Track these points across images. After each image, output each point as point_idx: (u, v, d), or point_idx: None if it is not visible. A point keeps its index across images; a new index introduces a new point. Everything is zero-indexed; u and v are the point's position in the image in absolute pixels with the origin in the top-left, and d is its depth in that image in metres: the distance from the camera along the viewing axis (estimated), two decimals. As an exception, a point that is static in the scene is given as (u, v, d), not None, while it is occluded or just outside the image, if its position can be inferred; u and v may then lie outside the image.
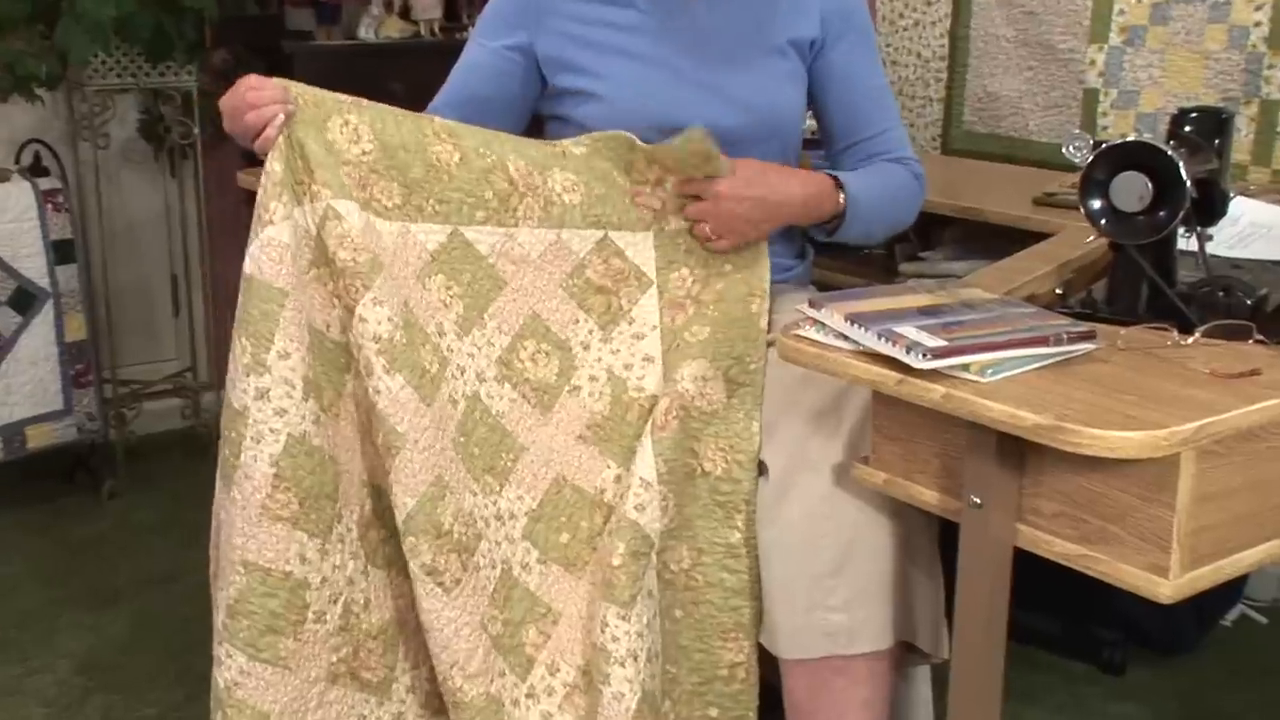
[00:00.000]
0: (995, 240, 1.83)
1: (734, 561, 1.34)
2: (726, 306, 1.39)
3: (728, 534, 1.34)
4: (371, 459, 1.31)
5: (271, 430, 1.25)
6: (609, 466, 1.37)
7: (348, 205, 1.27)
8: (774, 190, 1.38)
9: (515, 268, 1.36)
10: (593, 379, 1.39)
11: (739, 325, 1.39)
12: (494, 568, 1.32)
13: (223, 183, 2.62)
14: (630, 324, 1.40)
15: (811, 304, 1.20)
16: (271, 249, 1.26)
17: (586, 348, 1.39)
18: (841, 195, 1.42)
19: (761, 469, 1.35)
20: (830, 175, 1.42)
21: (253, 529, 1.26)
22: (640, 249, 1.40)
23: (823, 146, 1.55)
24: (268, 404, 1.25)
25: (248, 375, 1.25)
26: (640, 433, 1.36)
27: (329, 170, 1.27)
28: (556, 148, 1.38)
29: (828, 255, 1.89)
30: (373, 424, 1.27)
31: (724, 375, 1.36)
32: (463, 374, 1.33)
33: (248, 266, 1.25)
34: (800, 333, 1.19)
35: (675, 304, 1.40)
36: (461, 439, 1.31)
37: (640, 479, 1.32)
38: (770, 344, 1.37)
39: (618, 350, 1.40)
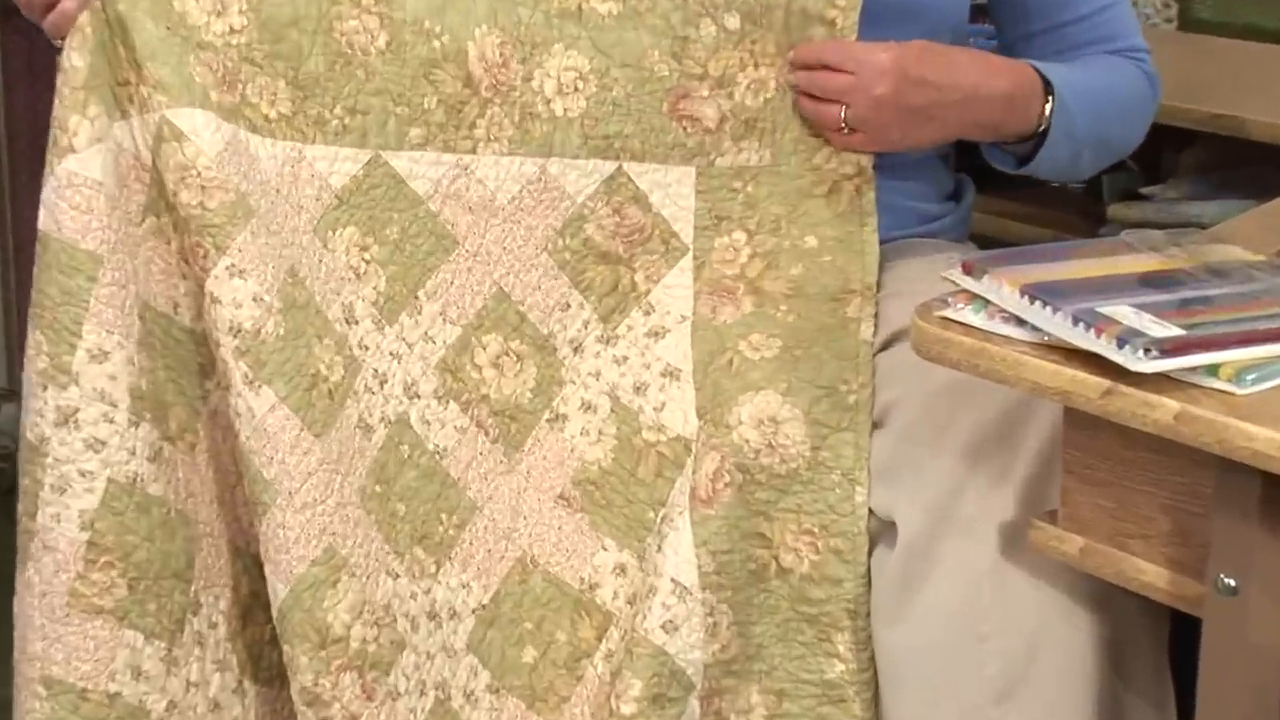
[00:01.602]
0: (1263, 168, 1.86)
1: (836, 710, 1.37)
2: (806, 305, 1.40)
3: (823, 665, 1.37)
4: (251, 514, 1.34)
5: (82, 473, 1.26)
6: (604, 548, 1.39)
7: (197, 116, 1.27)
8: (963, 76, 1.39)
9: (471, 218, 1.37)
10: (585, 406, 1.42)
11: (829, 336, 1.40)
12: (422, 694, 1.34)
13: (32, 84, 2.64)
14: (646, 314, 1.42)
15: (966, 269, 1.19)
16: (75, 191, 1.26)
17: (579, 350, 1.41)
18: (1049, 100, 1.42)
19: (875, 538, 1.36)
20: (1032, 67, 1.44)
21: (58, 628, 1.27)
22: (674, 193, 1.40)
23: (998, 33, 1.58)
24: (74, 432, 1.26)
25: (44, 388, 1.26)
26: (659, 498, 1.38)
27: (168, 60, 1.27)
28: (570, 1, 1.39)
29: (993, 192, 1.92)
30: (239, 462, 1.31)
31: (807, 415, 1.37)
32: (382, 385, 1.35)
33: (42, 220, 1.27)
34: (948, 314, 1.18)
35: (720, 288, 1.42)
36: (378, 488, 1.33)
37: (672, 581, 1.35)
38: (885, 346, 1.39)
39: (625, 357, 1.42)
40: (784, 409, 1.37)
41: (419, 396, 1.37)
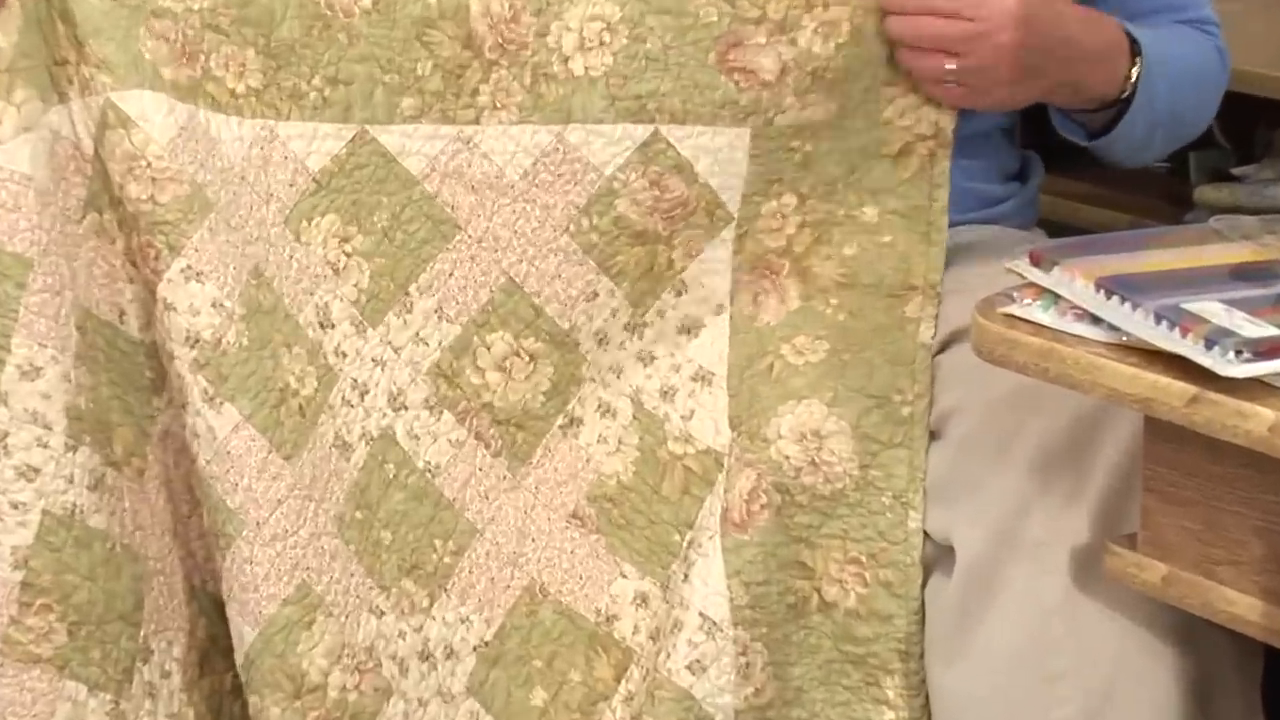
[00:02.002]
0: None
1: None
2: (859, 300, 1.38)
3: (871, 713, 1.36)
4: (209, 548, 1.33)
5: (14, 505, 1.25)
6: (623, 575, 1.39)
7: (146, 99, 1.26)
8: (1072, 27, 1.37)
9: (475, 199, 1.35)
10: (604, 409, 1.40)
11: (883, 338, 1.37)
12: None
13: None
14: (678, 294, 1.39)
15: (1034, 260, 1.18)
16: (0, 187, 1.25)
17: (603, 342, 1.39)
18: (1135, 63, 1.41)
19: (929, 566, 1.35)
20: (1124, 29, 1.43)
21: None
22: (724, 160, 1.36)
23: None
24: (4, 459, 1.25)
25: None
26: (686, 519, 1.38)
27: (114, 36, 1.26)
28: None
29: (1064, 172, 1.88)
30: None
31: (855, 429, 1.36)
32: (363, 398, 1.34)
33: None
34: (1014, 311, 1.17)
35: (762, 266, 1.39)
36: (358, 514, 1.33)
37: (700, 615, 1.34)
38: (942, 347, 1.38)
39: (652, 355, 1.40)
40: (829, 421, 1.36)
41: (406, 408, 1.36)
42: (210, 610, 1.34)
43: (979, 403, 1.34)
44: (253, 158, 1.30)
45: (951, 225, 1.43)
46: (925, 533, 1.35)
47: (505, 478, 1.39)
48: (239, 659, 1.28)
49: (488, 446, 1.38)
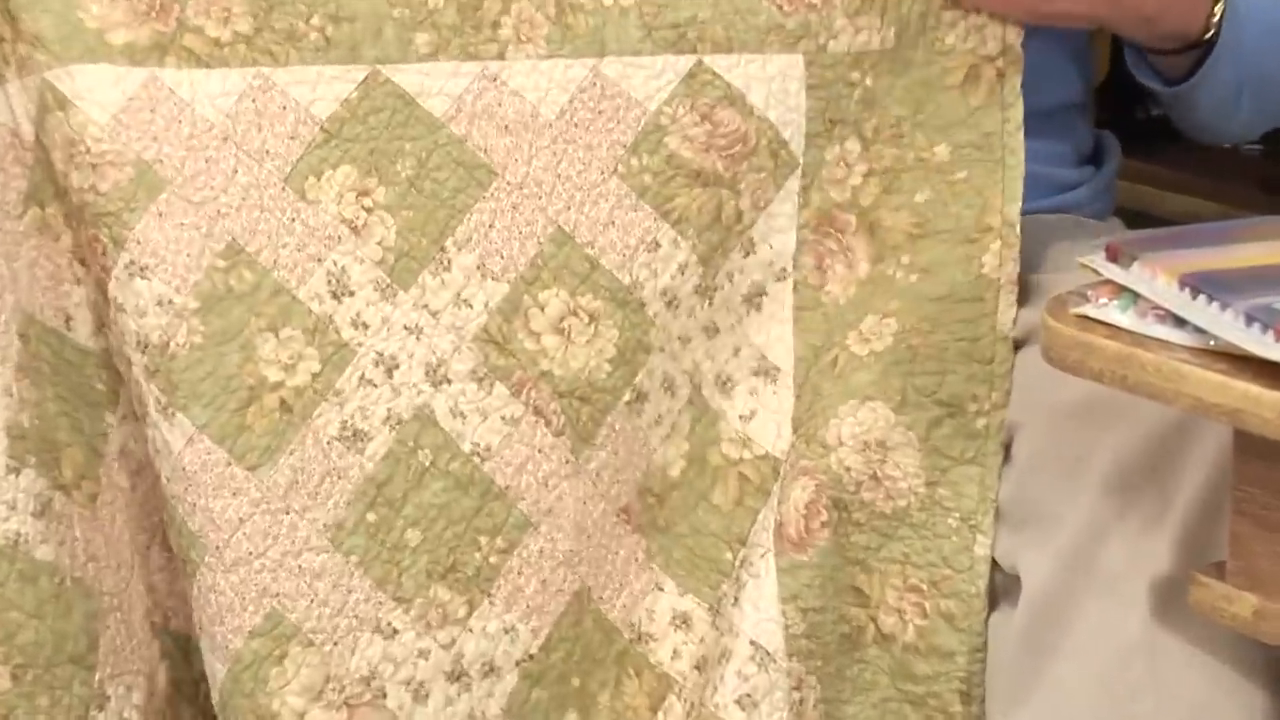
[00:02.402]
0: None
1: None
2: (933, 252, 1.37)
3: None
4: (177, 579, 1.34)
5: None
6: (659, 589, 1.38)
7: (85, 75, 1.24)
8: None
9: (511, 140, 1.33)
10: (667, 384, 1.38)
11: (957, 310, 1.36)
12: None
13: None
14: (746, 255, 1.38)
15: (1111, 254, 1.16)
16: None
17: (673, 304, 1.36)
18: (1216, 18, 1.40)
19: (994, 597, 1.35)
20: None
21: None
22: (779, 90, 1.36)
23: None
24: None
25: None
26: (739, 534, 1.37)
27: (50, 6, 1.25)
28: None
29: (1144, 155, 1.91)
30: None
31: (924, 441, 1.35)
32: (390, 374, 1.31)
33: None
34: (1088, 312, 1.15)
35: (827, 222, 1.38)
36: (371, 515, 1.30)
37: (751, 645, 1.35)
38: (1018, 346, 1.36)
39: (715, 325, 1.38)
40: (896, 431, 1.36)
41: (449, 380, 1.33)
42: (175, 652, 1.34)
43: (1048, 415, 1.33)
44: (241, 112, 1.28)
45: (1028, 213, 1.43)
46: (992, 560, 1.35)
47: (568, 461, 1.36)
48: (214, 698, 1.28)
49: (549, 424, 1.35)
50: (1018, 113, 1.37)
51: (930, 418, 1.36)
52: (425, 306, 1.33)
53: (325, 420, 1.30)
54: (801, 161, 1.37)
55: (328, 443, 1.30)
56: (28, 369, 1.28)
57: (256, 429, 1.27)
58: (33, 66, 1.25)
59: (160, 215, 1.25)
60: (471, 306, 1.33)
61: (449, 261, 1.33)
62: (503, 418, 1.33)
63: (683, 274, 1.36)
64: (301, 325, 1.29)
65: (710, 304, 1.38)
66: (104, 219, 1.24)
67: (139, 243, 1.25)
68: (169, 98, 1.27)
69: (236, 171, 1.28)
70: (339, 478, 1.30)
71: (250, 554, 1.27)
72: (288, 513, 1.28)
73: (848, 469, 1.36)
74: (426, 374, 1.33)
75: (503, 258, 1.34)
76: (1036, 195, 1.45)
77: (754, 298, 1.39)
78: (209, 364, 1.26)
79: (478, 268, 1.33)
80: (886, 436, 1.36)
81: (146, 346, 1.25)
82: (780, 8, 1.35)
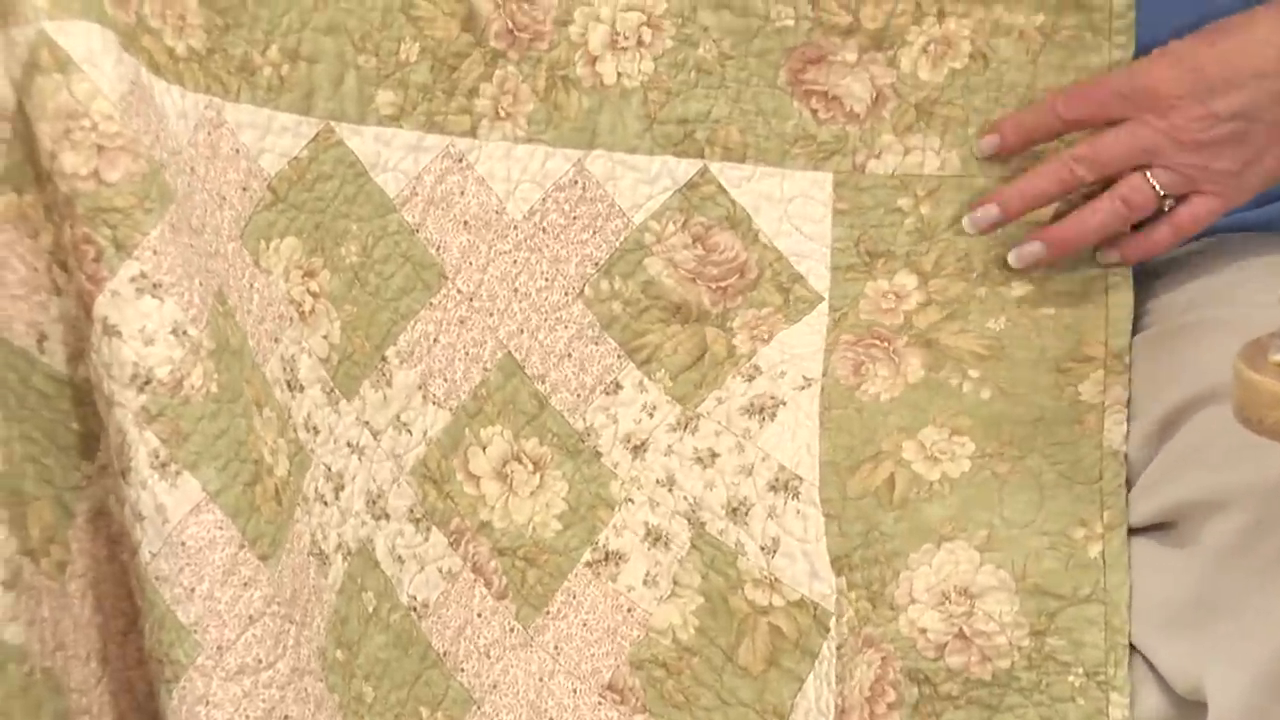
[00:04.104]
0: None
1: None
2: (1011, 375, 1.28)
3: None
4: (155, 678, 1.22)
5: None
6: None
7: (94, 36, 1.12)
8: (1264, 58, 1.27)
9: (468, 238, 1.28)
10: (653, 538, 1.30)
11: (1052, 434, 1.26)
12: None
13: None
14: (749, 380, 1.30)
15: None
16: None
17: (639, 451, 1.31)
18: None
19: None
20: None
21: None
22: (797, 214, 1.30)
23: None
24: None
25: None
26: (778, 707, 1.27)
27: None
28: None
29: None
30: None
31: (1021, 581, 1.23)
32: (338, 494, 1.24)
33: None
34: None
35: (870, 335, 1.30)
36: (339, 654, 1.23)
37: None
38: (1184, 411, 1.23)
39: (713, 452, 1.29)
40: (983, 572, 1.22)
41: (388, 516, 1.27)
42: None
43: (1243, 491, 1.21)
44: (200, 144, 1.20)
45: (1211, 231, 1.34)
46: (1160, 675, 1.22)
47: (513, 629, 1.30)
48: None
49: (488, 584, 1.29)
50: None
51: (1027, 550, 1.23)
52: (366, 424, 1.27)
53: (302, 527, 1.22)
54: (828, 298, 1.31)
55: (307, 556, 1.23)
56: None
57: (264, 513, 1.17)
58: (24, 14, 1.11)
59: (174, 228, 1.14)
60: (411, 433, 1.28)
61: (390, 375, 1.28)
62: (439, 570, 1.28)
63: (650, 416, 1.31)
64: (274, 409, 1.22)
65: (695, 433, 1.30)
66: (106, 216, 1.11)
67: (155, 252, 1.12)
68: (151, 101, 1.18)
69: (209, 209, 1.20)
70: (317, 599, 1.24)
71: (259, 662, 1.16)
72: (292, 622, 1.19)
73: (923, 631, 1.23)
74: (367, 504, 1.27)
75: (445, 380, 1.29)
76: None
77: (765, 409, 1.30)
78: (224, 420, 1.15)
79: (419, 387, 1.28)
80: (971, 580, 1.23)
81: (148, 383, 1.11)
82: (815, 113, 1.29)
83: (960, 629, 1.23)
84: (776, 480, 1.29)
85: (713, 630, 1.29)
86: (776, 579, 1.28)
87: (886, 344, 1.31)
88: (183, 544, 1.14)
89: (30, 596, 1.17)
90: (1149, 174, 1.27)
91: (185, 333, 1.14)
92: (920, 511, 1.25)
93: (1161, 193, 1.27)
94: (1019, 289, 1.29)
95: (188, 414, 1.14)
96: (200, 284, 1.16)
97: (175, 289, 1.14)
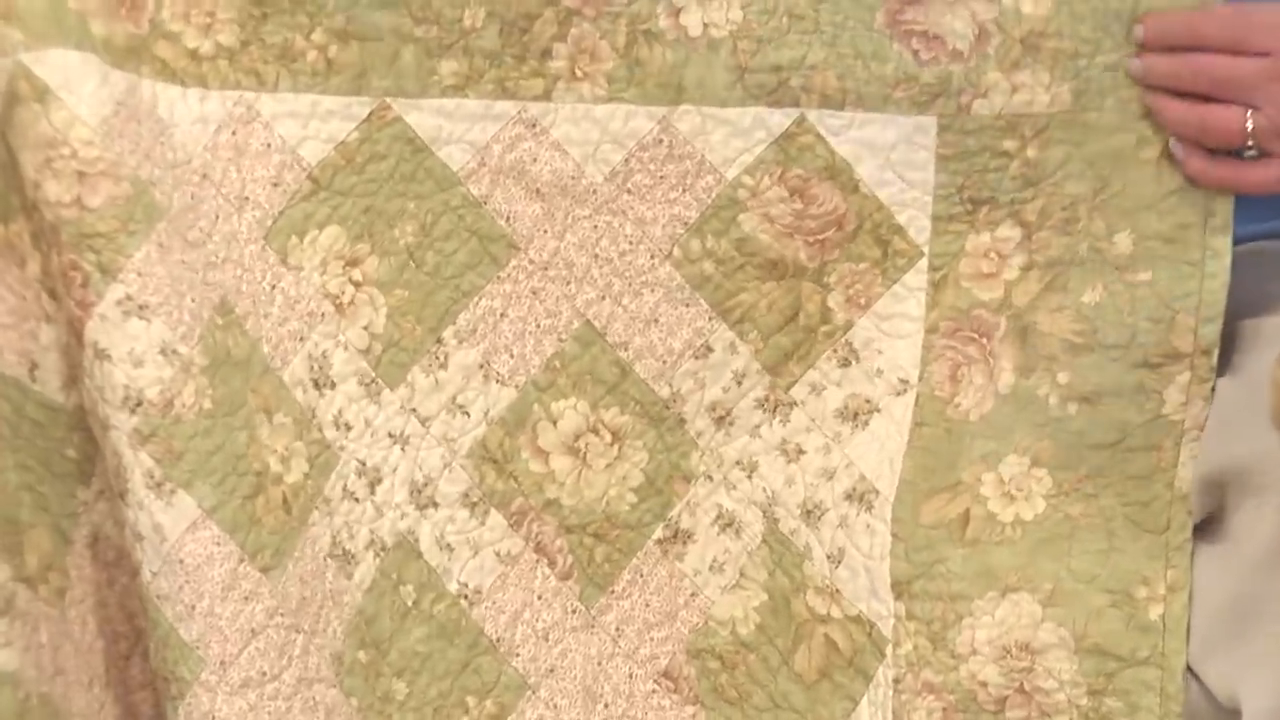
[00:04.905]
0: None
1: None
2: (1098, 372, 1.25)
3: None
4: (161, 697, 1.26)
5: None
6: None
7: (71, 61, 1.15)
8: None
9: (542, 207, 1.27)
10: (724, 521, 1.29)
11: (1126, 469, 1.25)
12: None
13: None
14: (844, 366, 1.29)
15: None
16: None
17: (724, 421, 1.29)
18: None
19: None
20: None
21: None
22: (899, 162, 1.27)
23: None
24: None
25: None
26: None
27: None
28: None
29: None
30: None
31: (1080, 640, 1.23)
32: (373, 488, 1.25)
33: None
34: None
35: (968, 327, 1.28)
36: (362, 654, 1.25)
37: None
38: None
39: (800, 448, 1.28)
40: (1045, 629, 1.23)
41: (436, 504, 1.26)
42: None
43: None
44: (220, 146, 1.20)
45: (1250, 238, 1.31)
46: (1205, 688, 1.23)
47: (575, 610, 1.29)
48: None
49: (552, 564, 1.29)
50: (1228, 206, 1.24)
51: (1089, 609, 1.23)
52: (414, 411, 1.27)
53: (319, 530, 1.23)
54: (928, 252, 1.27)
55: (324, 559, 1.24)
56: None
57: (266, 524, 1.19)
58: (3, 47, 1.14)
59: (161, 246, 1.15)
60: (469, 414, 1.27)
61: (445, 357, 1.27)
62: (496, 553, 1.28)
63: (739, 385, 1.29)
64: (290, 413, 1.23)
65: (786, 423, 1.28)
66: (90, 241, 1.14)
67: (139, 274, 1.14)
68: (151, 114, 1.18)
69: (218, 218, 1.20)
70: (334, 602, 1.24)
71: (264, 675, 1.18)
72: (299, 631, 1.21)
73: (984, 684, 1.23)
74: (411, 494, 1.27)
75: (512, 356, 1.27)
76: (1274, 215, 1.31)
77: (860, 414, 1.28)
78: (219, 436, 1.17)
79: (480, 367, 1.27)
80: (1032, 637, 1.23)
81: (139, 404, 1.14)
82: (916, 54, 1.25)
83: (1020, 684, 1.23)
84: (854, 490, 1.28)
85: (772, 629, 1.29)
86: (838, 590, 1.28)
87: (985, 341, 1.27)
88: (181, 561, 1.15)
89: (26, 623, 1.18)
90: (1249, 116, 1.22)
91: (175, 351, 1.15)
92: (989, 555, 1.25)
93: (1251, 145, 1.22)
94: (1121, 243, 1.25)
95: (180, 432, 1.15)
96: (193, 300, 1.17)
97: (163, 309, 1.15)
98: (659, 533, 1.31)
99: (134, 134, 1.18)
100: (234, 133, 1.22)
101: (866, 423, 1.30)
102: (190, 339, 1.18)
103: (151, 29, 1.19)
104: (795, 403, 1.30)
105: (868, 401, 1.30)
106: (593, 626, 1.31)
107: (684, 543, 1.31)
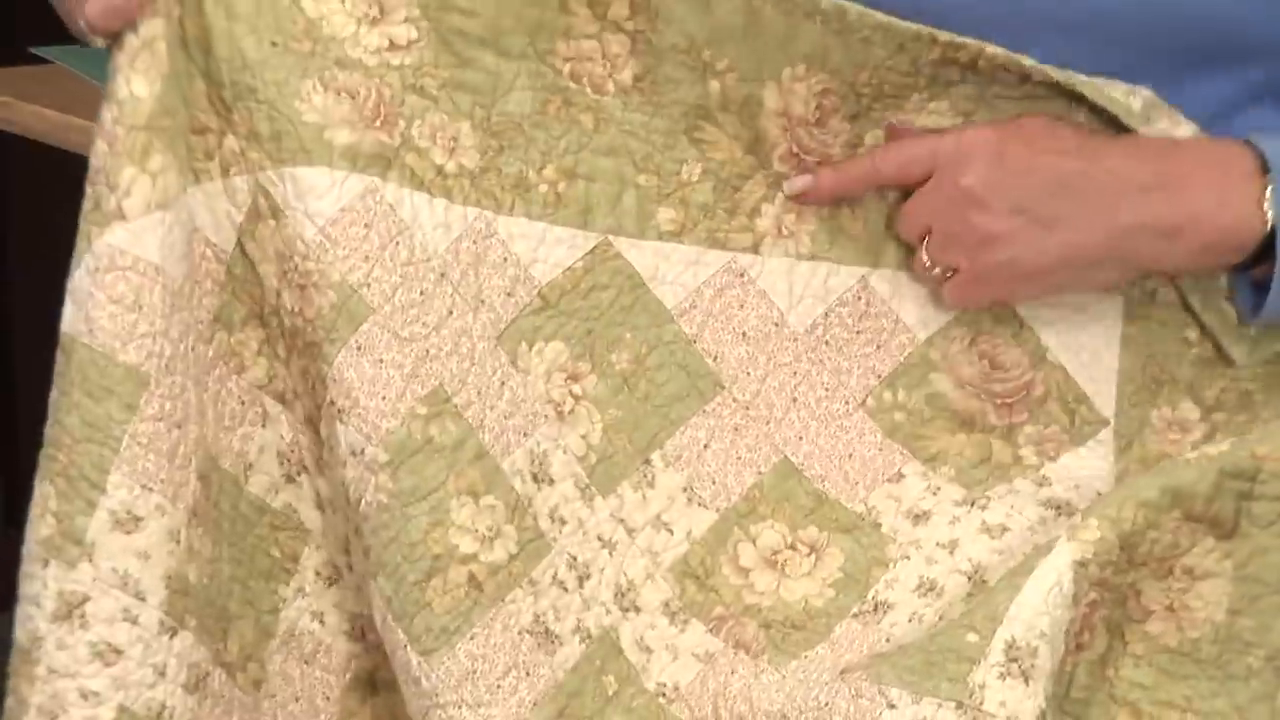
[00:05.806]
0: None
1: None
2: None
3: None
4: None
5: (84, 694, 1.13)
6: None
7: (301, 178, 1.15)
8: (1074, 174, 1.17)
9: (747, 350, 1.25)
10: (926, 587, 1.22)
11: None
12: None
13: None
14: (1039, 485, 1.23)
15: None
16: (119, 277, 1.13)
17: (921, 520, 1.24)
18: (1269, 202, 1.17)
19: None
20: (1249, 144, 1.18)
21: None
22: (1086, 336, 1.24)
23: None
24: (79, 632, 1.13)
25: (45, 564, 1.13)
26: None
27: (266, 97, 1.15)
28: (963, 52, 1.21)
29: None
30: None
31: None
32: (582, 583, 1.23)
33: (67, 318, 1.14)
34: None
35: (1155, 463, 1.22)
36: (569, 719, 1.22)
37: None
38: None
39: (1004, 527, 1.22)
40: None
41: (638, 609, 1.23)
42: None
43: None
44: (462, 252, 1.20)
45: None
46: None
47: (764, 671, 1.24)
48: None
49: (748, 651, 1.24)
50: None
51: None
52: (622, 521, 1.24)
53: (519, 607, 1.20)
54: (1112, 420, 1.25)
55: (519, 633, 1.20)
56: (203, 517, 1.17)
57: (436, 607, 1.17)
58: (244, 165, 1.15)
59: (359, 349, 1.15)
60: (672, 532, 1.24)
61: (653, 477, 1.25)
62: (695, 655, 1.23)
63: (935, 495, 1.25)
64: (504, 499, 1.20)
65: (985, 509, 1.24)
66: (312, 350, 1.15)
67: (335, 381, 1.15)
68: (388, 215, 1.17)
69: (451, 313, 1.19)
70: (526, 674, 1.20)
71: None
72: (459, 707, 1.18)
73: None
74: (615, 596, 1.24)
75: (714, 484, 1.25)
76: None
77: (1063, 508, 1.23)
78: (394, 528, 1.17)
79: (684, 490, 1.24)
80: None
81: (348, 502, 1.16)
82: None
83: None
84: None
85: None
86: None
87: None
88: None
89: (217, 704, 1.18)
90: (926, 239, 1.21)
91: (361, 452, 1.16)
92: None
93: (928, 262, 1.21)
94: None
95: (365, 529, 1.17)
96: (385, 397, 1.17)
97: (353, 412, 1.16)
98: (856, 608, 1.26)
99: (356, 238, 1.18)
100: (474, 243, 1.22)
101: (1070, 514, 1.24)
102: (375, 438, 1.18)
103: (403, 141, 1.19)
104: (992, 498, 1.26)
105: (1067, 503, 1.25)
106: (783, 684, 1.25)
107: (884, 612, 1.26)
